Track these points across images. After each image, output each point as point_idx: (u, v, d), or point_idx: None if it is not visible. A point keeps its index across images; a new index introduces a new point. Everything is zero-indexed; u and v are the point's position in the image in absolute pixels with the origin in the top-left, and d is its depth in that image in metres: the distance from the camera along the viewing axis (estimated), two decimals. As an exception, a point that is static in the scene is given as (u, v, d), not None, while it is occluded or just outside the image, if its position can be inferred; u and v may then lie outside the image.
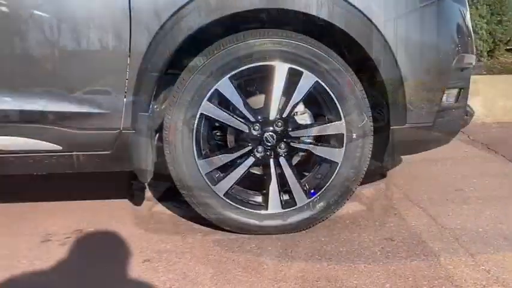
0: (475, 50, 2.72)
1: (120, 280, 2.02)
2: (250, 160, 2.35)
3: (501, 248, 2.21)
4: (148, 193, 2.90)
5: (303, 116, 2.40)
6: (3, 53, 2.16)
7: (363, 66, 2.33)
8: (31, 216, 2.64)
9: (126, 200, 2.83)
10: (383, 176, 2.95)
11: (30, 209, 2.72)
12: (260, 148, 2.34)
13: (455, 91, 2.55)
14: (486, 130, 4.18)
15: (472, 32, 2.66)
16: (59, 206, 2.76)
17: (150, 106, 2.29)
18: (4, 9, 2.14)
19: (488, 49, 6.07)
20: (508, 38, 6.07)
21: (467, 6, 2.68)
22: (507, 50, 6.38)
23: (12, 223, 2.57)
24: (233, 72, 2.27)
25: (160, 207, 2.73)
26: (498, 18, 6.03)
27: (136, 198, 2.82)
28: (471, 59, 2.63)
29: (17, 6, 2.14)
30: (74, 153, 2.32)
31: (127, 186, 2.94)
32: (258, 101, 2.37)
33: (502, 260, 2.09)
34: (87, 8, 2.16)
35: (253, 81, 2.39)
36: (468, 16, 2.64)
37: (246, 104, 2.31)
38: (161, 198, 2.82)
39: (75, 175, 2.37)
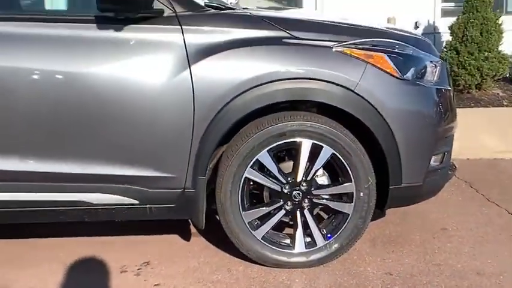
0: (456, 118, 3.51)
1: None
2: (282, 212, 3.14)
3: (474, 283, 2.99)
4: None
5: (322, 178, 3.18)
6: (103, 134, 2.93)
7: (368, 139, 3.11)
8: (103, 250, 3.41)
9: (176, 235, 3.61)
10: (383, 215, 3.71)
11: (100, 245, 3.50)
12: (289, 203, 3.13)
13: (440, 155, 3.34)
14: (471, 167, 4.96)
15: (453, 105, 3.45)
16: (120, 240, 3.54)
17: (206, 171, 3.07)
18: (99, 100, 2.92)
19: (476, 82, 6.86)
20: (494, 73, 6.86)
21: (451, 86, 3.47)
22: (495, 81, 7.17)
23: (90, 257, 3.34)
24: (270, 146, 3.05)
25: (208, 244, 3.51)
26: (485, 55, 6.83)
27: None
28: (454, 126, 3.42)
29: (113, 98, 2.91)
30: (147, 206, 3.10)
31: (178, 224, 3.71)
32: (287, 166, 3.15)
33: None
34: (164, 98, 2.93)
35: (285, 151, 3.17)
36: (451, 93, 3.43)
37: (279, 170, 3.09)
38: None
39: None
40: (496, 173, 4.76)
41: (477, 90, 6.84)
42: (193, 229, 3.67)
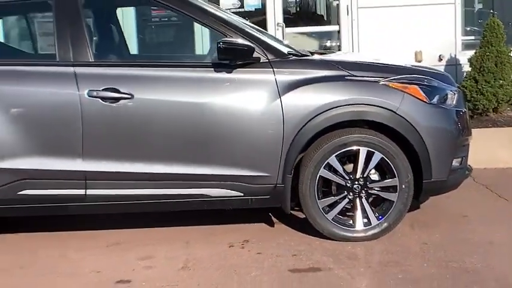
0: (471, 132, 4.87)
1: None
2: (346, 200, 4.49)
3: (487, 249, 4.31)
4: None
5: (374, 175, 4.54)
6: (221, 146, 4.34)
7: (405, 146, 4.48)
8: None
9: (263, 223, 4.97)
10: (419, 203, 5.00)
11: (211, 230, 4.87)
12: (351, 193, 4.49)
13: (459, 159, 4.68)
14: (487, 174, 6.26)
15: (468, 123, 4.81)
16: (222, 228, 4.90)
17: (291, 171, 4.45)
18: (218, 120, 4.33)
19: (493, 106, 8.18)
20: (509, 98, 8.19)
21: (467, 109, 4.83)
22: (509, 104, 8.49)
23: (207, 236, 4.72)
24: (337, 153, 4.43)
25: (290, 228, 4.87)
26: (500, 83, 8.16)
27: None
28: (469, 138, 4.78)
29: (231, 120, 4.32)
30: (250, 197, 4.49)
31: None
32: (349, 167, 4.52)
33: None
34: (263, 120, 4.33)
35: (347, 156, 4.54)
36: (466, 115, 4.79)
37: (343, 170, 4.46)
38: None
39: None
40: (508, 178, 6.07)
41: (494, 113, 8.15)
42: (274, 219, 5.03)
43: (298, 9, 12.04)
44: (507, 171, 6.30)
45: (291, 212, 4.81)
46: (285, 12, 9.38)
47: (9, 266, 4.31)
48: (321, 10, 10.99)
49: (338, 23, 9.05)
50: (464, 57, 8.53)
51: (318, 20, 10.64)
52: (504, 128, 7.54)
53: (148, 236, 4.75)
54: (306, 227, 4.66)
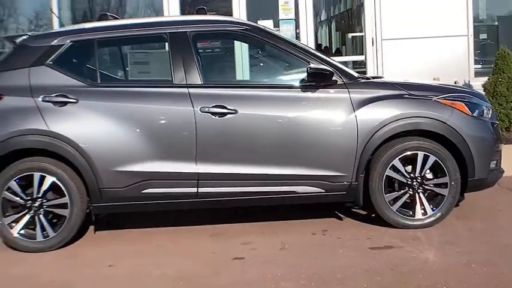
0: (502, 141, 6.14)
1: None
2: (407, 195, 5.73)
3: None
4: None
5: (429, 175, 5.78)
6: (308, 151, 5.55)
7: (453, 150, 5.73)
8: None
9: (333, 218, 6.17)
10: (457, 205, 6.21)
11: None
12: (411, 189, 5.72)
13: (495, 161, 5.94)
14: (508, 180, 7.51)
15: (499, 133, 6.09)
16: (299, 223, 6.10)
17: (363, 171, 5.68)
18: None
19: (506, 126, 9.50)
20: (519, 119, 9.51)
21: (497, 121, 6.11)
22: (519, 125, 9.80)
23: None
24: (399, 156, 5.66)
25: (357, 221, 6.08)
26: (511, 105, 9.49)
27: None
28: (501, 146, 6.06)
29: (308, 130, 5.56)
30: (329, 193, 5.71)
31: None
32: (409, 168, 5.76)
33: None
34: (341, 130, 5.57)
35: (407, 159, 5.78)
36: (498, 126, 6.07)
37: (405, 170, 5.71)
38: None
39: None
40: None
41: (507, 132, 9.46)
42: (340, 215, 6.24)
43: (328, 41, 13.40)
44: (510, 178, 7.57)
45: (352, 209, 6.03)
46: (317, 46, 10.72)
47: (136, 253, 5.47)
48: (347, 42, 12.31)
49: (364, 53, 10.36)
50: (476, 83, 9.85)
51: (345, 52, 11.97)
52: (515, 146, 8.81)
53: (241, 229, 5.92)
54: (368, 220, 5.88)
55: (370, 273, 4.66)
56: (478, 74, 10.52)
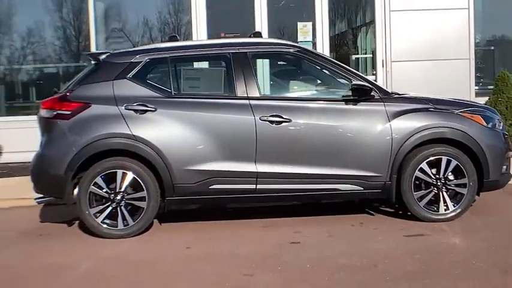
0: (510, 149, 7.40)
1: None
2: (432, 193, 6.94)
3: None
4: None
5: (451, 176, 7.00)
6: (349, 154, 6.76)
7: (471, 156, 6.97)
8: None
9: (364, 214, 7.37)
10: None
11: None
12: (435, 189, 6.94)
13: (505, 166, 7.19)
14: (509, 187, 8.78)
15: (509, 142, 7.35)
16: (334, 217, 7.29)
17: (396, 172, 6.90)
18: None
19: (505, 141, 10.78)
20: (517, 135, 10.82)
21: (506, 132, 7.38)
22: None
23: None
24: (427, 160, 6.87)
25: (385, 216, 7.28)
26: (510, 122, 10.80)
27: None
28: (510, 153, 7.32)
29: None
30: (367, 191, 6.92)
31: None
32: (434, 170, 6.98)
33: None
34: (378, 136, 6.77)
35: (432, 163, 7.00)
36: (507, 136, 7.34)
37: (431, 171, 6.93)
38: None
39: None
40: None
41: (505, 147, 10.74)
42: (372, 211, 7.43)
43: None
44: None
45: (380, 207, 7.24)
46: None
47: (206, 239, 6.60)
48: (358, 63, 13.57)
49: (374, 74, 11.64)
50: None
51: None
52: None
53: (288, 222, 7.08)
54: (396, 215, 7.07)
55: (409, 253, 5.82)
56: (478, 94, 11.83)
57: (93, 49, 11.36)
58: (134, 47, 10.45)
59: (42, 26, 12.63)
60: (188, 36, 11.41)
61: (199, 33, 11.10)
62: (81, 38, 12.59)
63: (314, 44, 11.51)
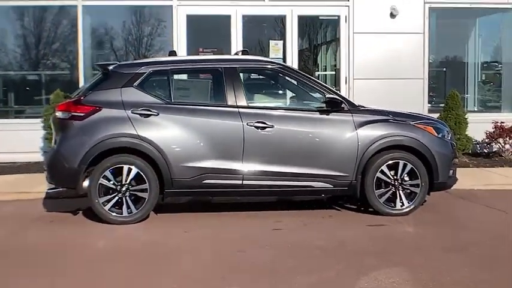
0: (457, 155, 8.95)
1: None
2: (391, 191, 8.37)
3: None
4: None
5: (406, 177, 8.46)
6: (321, 156, 8.20)
7: (424, 161, 8.49)
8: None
9: (333, 210, 8.81)
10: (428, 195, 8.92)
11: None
12: (393, 187, 8.39)
13: (452, 170, 8.71)
14: (453, 191, 10.33)
15: (456, 150, 8.91)
16: (311, 212, 8.71)
17: (360, 173, 8.37)
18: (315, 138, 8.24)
19: (453, 153, 12.39)
20: (463, 148, 12.47)
21: (454, 142, 8.94)
22: (463, 154, 12.77)
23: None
24: (386, 163, 8.35)
25: (351, 211, 8.75)
26: (457, 137, 12.43)
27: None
28: (457, 160, 8.88)
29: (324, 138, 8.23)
30: (336, 188, 8.36)
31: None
32: (393, 172, 8.48)
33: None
34: (346, 142, 8.22)
35: (391, 165, 8.49)
36: (456, 146, 8.90)
37: (390, 173, 8.40)
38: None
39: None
40: (464, 193, 10.16)
41: (454, 158, 12.36)
42: (338, 208, 8.88)
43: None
44: (470, 191, 10.32)
45: (346, 204, 8.70)
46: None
47: (201, 226, 7.88)
48: (323, 79, 15.11)
49: (337, 89, 13.15)
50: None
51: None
52: (461, 169, 11.72)
53: (269, 214, 8.44)
54: (359, 211, 8.51)
55: (371, 238, 7.25)
56: (430, 111, 13.46)
57: (80, 64, 12.68)
58: (125, 60, 11.80)
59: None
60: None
61: (180, 48, 12.44)
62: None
63: (284, 61, 12.94)
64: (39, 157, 11.83)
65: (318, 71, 15.47)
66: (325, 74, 15.50)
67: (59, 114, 8.01)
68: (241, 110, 8.02)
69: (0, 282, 5.72)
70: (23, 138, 11.83)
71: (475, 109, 15.04)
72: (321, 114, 8.18)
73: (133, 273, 5.96)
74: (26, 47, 13.94)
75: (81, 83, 12.40)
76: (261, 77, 9.58)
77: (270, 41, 13.08)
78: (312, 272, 5.97)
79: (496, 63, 15.60)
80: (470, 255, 6.50)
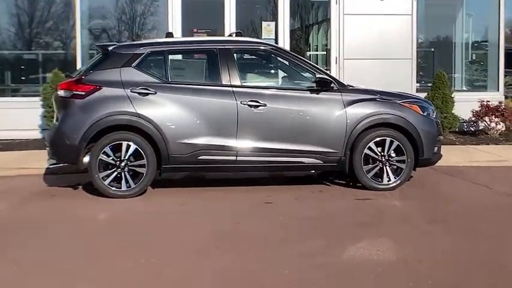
0: (442, 133, 9.40)
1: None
2: (378, 167, 8.79)
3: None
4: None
5: (393, 153, 8.88)
6: (312, 134, 8.62)
7: (410, 138, 8.93)
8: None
9: (323, 185, 9.26)
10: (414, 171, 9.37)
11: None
12: (381, 163, 8.83)
13: (438, 147, 9.12)
14: (441, 167, 10.77)
15: (440, 128, 9.35)
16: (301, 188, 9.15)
17: (349, 149, 8.81)
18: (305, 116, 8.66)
19: (440, 132, 12.84)
20: (450, 126, 12.92)
21: (439, 120, 9.38)
22: (450, 132, 13.22)
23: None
24: (374, 140, 8.80)
25: (339, 185, 9.19)
26: (444, 115, 12.88)
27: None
28: (441, 137, 9.32)
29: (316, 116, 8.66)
30: (326, 164, 8.80)
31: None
32: (380, 149, 8.93)
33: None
34: (335, 119, 8.66)
35: (379, 143, 8.92)
36: (440, 123, 9.34)
37: (377, 150, 8.83)
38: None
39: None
40: (449, 169, 10.61)
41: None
42: (327, 183, 9.32)
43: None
44: (454, 168, 10.74)
45: (335, 180, 9.13)
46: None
47: (196, 199, 8.30)
48: (314, 59, 15.51)
49: (328, 69, 13.55)
50: (418, 97, 13.10)
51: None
52: (447, 146, 12.18)
53: (261, 189, 8.86)
54: (348, 186, 8.94)
55: (359, 210, 7.71)
56: (418, 90, 13.89)
57: (78, 44, 13.03)
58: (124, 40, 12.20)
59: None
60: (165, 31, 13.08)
61: (175, 29, 12.78)
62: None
63: (276, 42, 13.32)
64: (37, 134, 12.20)
65: (310, 51, 15.83)
66: (317, 54, 15.87)
67: (60, 92, 8.38)
68: (235, 89, 8.41)
69: (0, 253, 6.09)
70: (22, 116, 12.19)
71: (464, 88, 15.50)
72: (311, 93, 8.58)
73: (132, 244, 6.36)
74: (20, 27, 14.22)
75: (79, 62, 12.72)
76: (254, 57, 9.92)
77: (263, 22, 13.42)
78: (302, 241, 6.40)
79: (483, 43, 16.03)
80: (452, 226, 6.94)
